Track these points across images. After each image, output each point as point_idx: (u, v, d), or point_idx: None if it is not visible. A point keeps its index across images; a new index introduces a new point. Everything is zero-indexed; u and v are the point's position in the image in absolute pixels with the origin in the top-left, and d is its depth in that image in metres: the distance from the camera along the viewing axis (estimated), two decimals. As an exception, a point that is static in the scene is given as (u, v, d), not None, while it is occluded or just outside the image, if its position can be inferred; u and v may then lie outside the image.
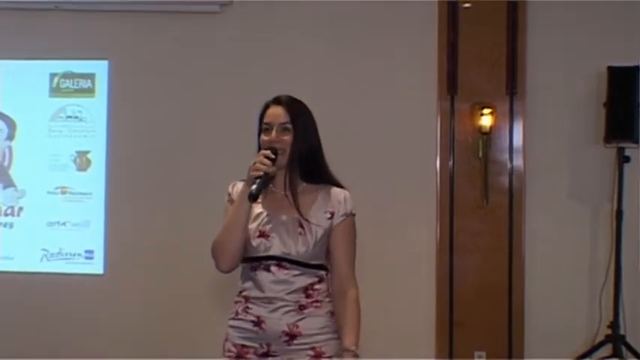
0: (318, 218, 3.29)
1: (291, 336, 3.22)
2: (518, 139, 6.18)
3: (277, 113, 3.34)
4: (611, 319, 5.92)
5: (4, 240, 6.66)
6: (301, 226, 3.26)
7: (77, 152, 6.65)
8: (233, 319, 3.36)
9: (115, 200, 6.55)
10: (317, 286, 3.28)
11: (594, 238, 6.21)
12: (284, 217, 3.29)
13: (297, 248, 3.24)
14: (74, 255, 6.60)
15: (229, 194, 3.45)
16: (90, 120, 6.63)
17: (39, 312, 6.54)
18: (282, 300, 3.23)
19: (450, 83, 6.22)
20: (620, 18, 6.13)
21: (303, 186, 3.33)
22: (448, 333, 6.18)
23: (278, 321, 3.22)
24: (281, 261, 3.24)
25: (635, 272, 6.02)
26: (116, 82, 6.59)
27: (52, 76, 6.67)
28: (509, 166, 6.18)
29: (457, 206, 6.20)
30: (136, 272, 6.49)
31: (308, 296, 3.25)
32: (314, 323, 3.24)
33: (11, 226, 6.68)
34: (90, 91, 6.65)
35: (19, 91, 6.69)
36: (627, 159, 5.98)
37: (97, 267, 6.58)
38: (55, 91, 6.67)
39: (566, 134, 6.24)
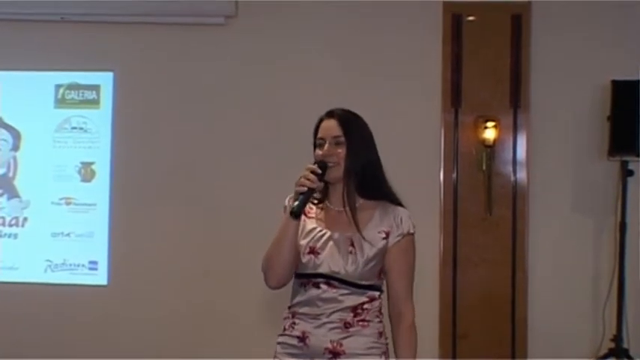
0: (373, 237, 3.19)
1: (335, 354, 3.15)
2: (521, 152, 6.18)
3: (330, 126, 3.25)
4: (614, 332, 5.92)
5: (9, 250, 6.68)
6: (352, 244, 3.17)
7: (82, 163, 6.66)
8: (281, 334, 3.29)
9: (120, 211, 6.57)
10: (367, 306, 3.19)
11: (597, 251, 6.21)
12: (336, 235, 3.21)
13: (346, 267, 3.16)
14: (78, 266, 6.61)
15: (285, 207, 3.32)
16: (95, 131, 6.65)
17: (43, 322, 6.54)
18: (328, 317, 3.16)
19: (454, 96, 6.22)
20: (623, 32, 6.15)
21: (360, 202, 3.24)
22: (452, 345, 6.18)
23: (322, 337, 3.15)
24: (330, 279, 3.17)
25: (639, 285, 6.02)
26: (121, 94, 6.60)
27: (58, 87, 6.69)
28: (512, 178, 6.18)
29: (461, 218, 6.21)
30: (139, 283, 6.49)
31: (356, 315, 3.17)
32: (359, 343, 3.17)
33: (15, 236, 6.69)
34: (95, 103, 6.67)
35: (24, 102, 6.71)
36: (631, 172, 5.98)
37: (100, 278, 6.59)
38: (60, 102, 6.69)
39: (569, 147, 6.25)
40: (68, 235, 6.63)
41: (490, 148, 6.17)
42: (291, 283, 3.29)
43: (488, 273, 6.15)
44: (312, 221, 3.26)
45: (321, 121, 3.31)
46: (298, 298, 3.24)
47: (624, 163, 5.99)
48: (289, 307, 3.28)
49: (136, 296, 6.50)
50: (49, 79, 6.69)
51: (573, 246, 6.20)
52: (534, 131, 6.20)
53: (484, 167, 6.17)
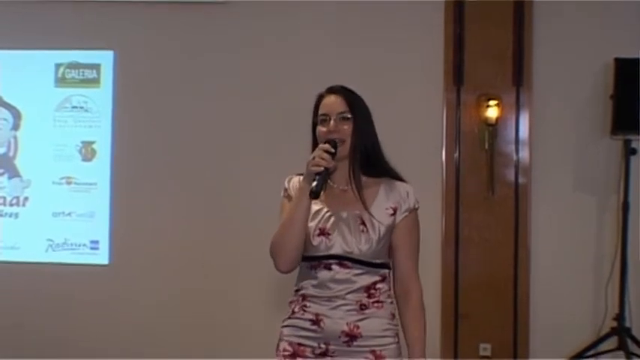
0: (380, 214, 3.14)
1: (352, 337, 3.08)
2: (524, 131, 6.16)
3: (334, 102, 3.18)
4: (616, 311, 5.92)
5: (10, 230, 6.67)
6: (363, 222, 3.12)
7: (82, 142, 6.65)
8: (289, 317, 3.20)
9: (120, 190, 6.56)
10: (379, 285, 3.14)
11: (600, 231, 6.20)
12: (344, 214, 3.14)
13: (360, 246, 3.10)
14: (79, 245, 6.61)
15: (285, 189, 3.27)
16: (95, 110, 6.63)
17: (44, 302, 6.54)
18: (343, 299, 3.10)
19: (456, 74, 6.19)
20: (626, 10, 6.11)
21: (364, 179, 3.19)
22: (453, 325, 6.17)
23: (339, 320, 3.09)
24: (343, 260, 3.11)
25: (641, 264, 6.02)
26: (121, 73, 6.58)
27: (58, 66, 6.67)
28: (515, 158, 6.16)
29: (463, 198, 6.19)
30: (141, 262, 6.49)
31: (370, 296, 3.11)
32: (375, 325, 3.11)
33: (17, 216, 6.69)
34: (95, 82, 6.64)
35: (24, 81, 6.70)
36: (634, 151, 5.97)
37: (102, 257, 6.58)
38: (61, 81, 6.67)
39: (572, 126, 6.22)
40: (69, 214, 6.62)
41: (492, 127, 6.14)
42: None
43: (491, 252, 6.14)
44: (316, 203, 3.16)
45: (321, 97, 3.24)
46: (308, 281, 3.16)
47: (627, 142, 5.97)
48: (297, 290, 3.21)
49: (137, 275, 6.50)
50: (49, 58, 6.67)
51: (576, 225, 6.19)
52: (537, 110, 6.17)
53: (486, 146, 6.15)
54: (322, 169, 3.05)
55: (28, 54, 6.68)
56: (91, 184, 6.62)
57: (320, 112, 3.20)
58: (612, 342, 5.90)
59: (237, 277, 6.37)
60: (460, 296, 6.18)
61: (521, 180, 6.15)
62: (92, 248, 6.60)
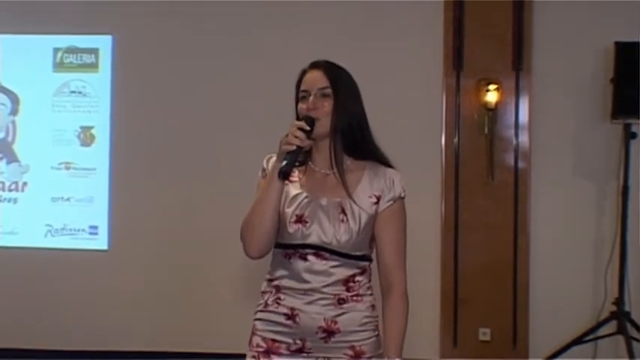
0: (363, 202, 2.94)
1: (329, 332, 2.91)
2: (524, 116, 6.15)
3: (315, 78, 2.97)
4: (616, 295, 5.92)
5: (8, 215, 6.66)
6: (343, 211, 2.91)
7: (81, 127, 6.63)
8: (261, 311, 3.02)
9: (119, 176, 6.54)
10: (358, 278, 2.96)
11: (600, 215, 6.19)
12: (324, 201, 2.93)
13: (339, 237, 2.89)
14: (78, 230, 6.60)
15: (263, 169, 3.07)
16: (94, 95, 6.61)
17: (43, 287, 6.54)
18: (320, 292, 2.90)
19: (456, 59, 6.18)
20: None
21: (349, 162, 2.99)
22: (453, 310, 6.18)
23: (315, 315, 2.90)
24: (320, 250, 2.91)
25: (641, 249, 6.02)
26: (120, 58, 6.56)
27: (56, 50, 6.64)
28: (514, 142, 6.15)
29: (462, 183, 6.18)
30: (140, 248, 6.49)
31: (348, 289, 2.93)
32: (354, 319, 2.93)
33: (15, 201, 6.68)
34: (94, 66, 6.62)
35: (22, 66, 6.67)
36: (634, 135, 5.95)
37: (101, 242, 6.58)
38: (59, 65, 6.65)
39: (572, 110, 6.21)
40: (68, 199, 6.61)
41: (492, 112, 6.13)
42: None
43: (490, 238, 6.14)
44: (295, 186, 2.99)
45: (304, 72, 3.04)
46: (282, 271, 2.98)
47: (627, 126, 5.96)
48: (270, 280, 3.03)
49: (137, 261, 6.49)
50: (47, 43, 6.64)
51: (575, 210, 6.19)
52: (537, 94, 6.16)
53: (486, 131, 6.14)
54: (294, 147, 2.87)
55: (26, 38, 6.65)
56: (89, 169, 6.61)
57: (301, 87, 3.01)
58: (612, 326, 5.90)
59: (239, 263, 6.35)
60: (460, 281, 6.18)
61: (520, 165, 6.14)
62: (91, 233, 6.59)
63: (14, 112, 6.69)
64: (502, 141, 6.17)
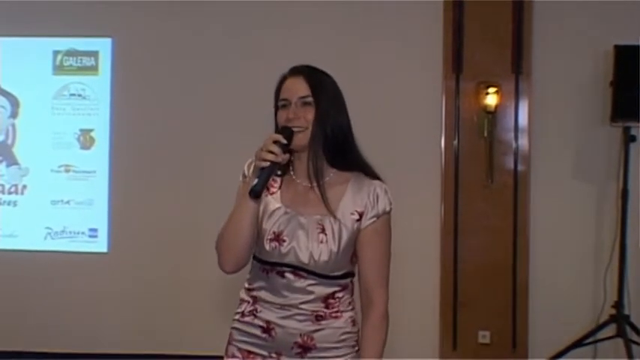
0: (344, 219, 2.79)
1: (305, 348, 2.82)
2: (523, 119, 6.15)
3: (296, 85, 2.82)
4: (615, 298, 5.92)
5: (8, 218, 6.65)
6: (323, 231, 2.77)
7: (81, 130, 6.63)
8: (238, 320, 2.95)
9: (119, 178, 6.54)
10: (339, 295, 2.84)
11: (599, 218, 6.19)
12: (303, 219, 2.79)
13: (317, 258, 2.76)
14: (78, 233, 6.59)
15: (244, 174, 2.92)
16: (93, 98, 6.61)
17: (43, 290, 6.53)
18: (297, 308, 2.80)
19: (456, 62, 6.18)
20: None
21: (332, 174, 2.84)
22: (452, 312, 6.18)
23: (291, 330, 2.81)
24: (297, 270, 2.79)
25: (640, 252, 6.02)
26: (120, 60, 6.56)
27: (56, 53, 6.64)
28: (514, 145, 6.15)
29: (462, 186, 6.18)
30: (139, 251, 6.48)
31: (328, 306, 2.82)
32: (331, 336, 2.82)
33: (15, 204, 6.67)
34: (93, 69, 6.62)
35: (22, 69, 6.66)
36: (633, 138, 5.96)
37: (100, 245, 6.57)
38: (59, 68, 6.64)
39: (571, 113, 6.21)
40: (68, 202, 6.61)
41: (491, 115, 6.13)
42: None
43: (490, 240, 6.14)
44: (275, 199, 2.86)
45: (284, 79, 2.87)
46: (260, 283, 2.88)
47: (627, 129, 5.96)
48: (248, 290, 2.94)
49: (137, 263, 6.49)
50: (47, 46, 6.63)
51: (575, 213, 6.19)
52: (536, 97, 6.16)
53: (485, 134, 6.14)
54: (268, 164, 2.70)
55: (26, 41, 6.65)
56: (89, 172, 6.61)
57: (281, 95, 2.85)
58: (611, 329, 5.90)
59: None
60: (459, 284, 6.18)
61: (520, 168, 6.15)
62: (91, 236, 6.59)
63: (14, 114, 6.69)
64: (502, 144, 6.17)
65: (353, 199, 2.82)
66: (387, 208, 2.85)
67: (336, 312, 2.84)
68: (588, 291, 6.15)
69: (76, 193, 6.60)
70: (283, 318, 2.82)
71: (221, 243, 2.85)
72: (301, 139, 2.79)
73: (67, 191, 6.60)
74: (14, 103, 6.67)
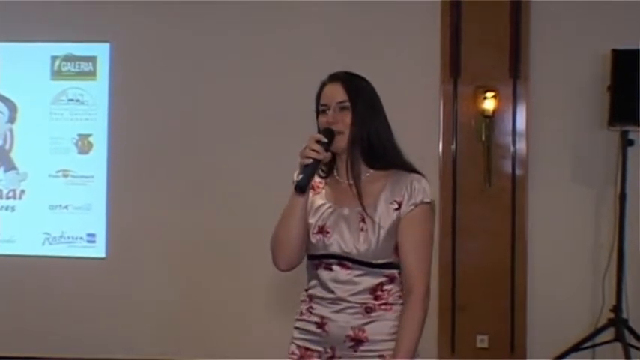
0: (384, 210, 2.93)
1: (357, 341, 2.91)
2: (521, 123, 6.16)
3: (334, 91, 2.98)
4: (613, 302, 5.92)
5: (6, 223, 6.66)
6: (364, 220, 2.91)
7: (79, 135, 6.63)
8: (297, 319, 3.06)
9: (117, 184, 6.54)
10: (387, 287, 2.93)
11: (597, 222, 6.20)
12: (346, 211, 2.95)
13: (358, 246, 2.90)
14: (76, 238, 6.59)
15: (294, 182, 3.00)
16: (92, 103, 6.62)
17: (41, 295, 6.53)
18: (347, 301, 2.91)
19: (453, 66, 6.19)
20: (624, 1, 6.09)
21: (369, 173, 2.99)
22: (450, 316, 6.18)
23: (343, 323, 2.91)
24: (342, 259, 2.92)
25: (638, 256, 6.01)
26: (118, 65, 6.56)
27: (54, 58, 6.65)
28: (512, 149, 6.16)
29: (460, 190, 6.19)
30: (137, 256, 6.49)
31: (376, 298, 2.92)
32: (382, 328, 2.91)
33: (13, 209, 6.67)
34: (91, 74, 6.63)
35: (20, 74, 6.67)
36: (631, 142, 5.96)
37: (99, 250, 6.57)
38: (57, 73, 6.65)
39: (569, 117, 6.22)
40: (66, 207, 6.61)
41: (489, 119, 6.14)
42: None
43: (488, 244, 6.14)
44: (320, 197, 3.03)
45: (323, 85, 3.04)
46: (313, 281, 3.00)
47: (624, 133, 5.97)
48: (306, 290, 3.06)
49: (134, 269, 6.49)
50: (45, 51, 6.65)
51: (573, 217, 6.19)
52: (534, 101, 6.17)
53: (483, 138, 6.15)
54: (311, 161, 2.88)
55: (24, 46, 6.66)
56: (87, 177, 6.61)
57: (320, 101, 3.02)
58: (609, 333, 5.90)
59: (236, 270, 6.37)
60: (457, 288, 6.18)
61: (518, 172, 6.15)
62: (89, 241, 6.59)
63: (12, 120, 6.70)
64: (499, 148, 6.17)
65: (392, 191, 2.96)
66: (426, 199, 2.97)
67: (385, 304, 2.93)
68: (586, 295, 6.15)
69: (74, 198, 6.60)
70: (335, 312, 2.94)
71: (274, 241, 3.01)
72: (340, 142, 2.95)
73: (65, 196, 6.61)
74: (12, 108, 6.68)
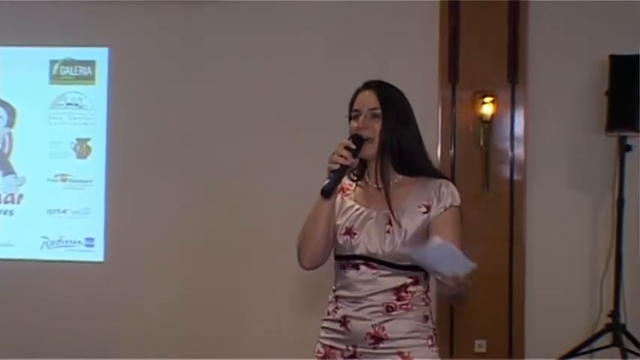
0: (411, 214, 3.00)
1: (377, 339, 2.97)
2: (519, 128, 6.16)
3: (367, 98, 3.07)
4: (611, 307, 5.92)
5: (4, 227, 6.66)
6: (390, 222, 2.99)
7: (77, 140, 6.64)
8: (325, 319, 3.13)
9: (116, 188, 6.55)
10: (411, 288, 3.00)
11: (595, 227, 6.20)
12: (374, 213, 3.04)
13: (383, 248, 2.98)
14: (74, 242, 6.60)
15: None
16: (90, 107, 6.62)
17: (39, 299, 6.53)
18: (368, 300, 2.99)
19: (452, 71, 6.19)
20: (622, 7, 6.10)
21: (398, 178, 3.06)
22: (449, 321, 6.17)
23: (363, 322, 2.98)
24: (368, 260, 3.00)
25: (636, 261, 6.01)
26: (116, 70, 6.57)
27: (52, 63, 6.66)
28: (510, 154, 6.16)
29: (458, 195, 6.18)
30: (136, 260, 6.48)
31: (399, 298, 2.98)
32: (401, 326, 2.98)
33: (11, 213, 6.67)
34: (90, 79, 6.63)
35: (19, 78, 6.68)
36: (629, 148, 5.97)
37: (97, 254, 6.58)
38: (55, 78, 6.66)
39: (567, 123, 6.22)
40: (64, 211, 6.61)
41: (488, 124, 6.14)
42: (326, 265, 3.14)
43: (486, 249, 6.10)
44: (349, 199, 3.11)
45: (357, 92, 3.13)
46: (339, 282, 3.08)
47: (622, 139, 5.97)
48: (333, 291, 3.12)
49: (133, 273, 6.49)
50: (43, 55, 6.66)
51: (571, 222, 6.19)
52: (532, 106, 6.17)
53: (482, 143, 6.15)
54: (338, 166, 2.96)
55: (23, 50, 6.67)
56: (86, 181, 6.61)
57: (353, 107, 3.10)
58: (607, 338, 5.90)
59: (235, 273, 6.37)
60: (455, 293, 6.17)
61: (516, 177, 6.15)
62: (87, 245, 6.59)
63: (10, 124, 6.70)
64: (498, 153, 6.17)
65: (420, 195, 3.04)
66: (456, 203, 3.07)
67: (407, 304, 3.00)
68: (584, 300, 6.15)
69: (73, 202, 6.61)
70: (357, 310, 3.01)
71: (299, 240, 3.09)
72: (368, 150, 3.04)
73: (64, 200, 6.61)
74: (11, 112, 6.68)
